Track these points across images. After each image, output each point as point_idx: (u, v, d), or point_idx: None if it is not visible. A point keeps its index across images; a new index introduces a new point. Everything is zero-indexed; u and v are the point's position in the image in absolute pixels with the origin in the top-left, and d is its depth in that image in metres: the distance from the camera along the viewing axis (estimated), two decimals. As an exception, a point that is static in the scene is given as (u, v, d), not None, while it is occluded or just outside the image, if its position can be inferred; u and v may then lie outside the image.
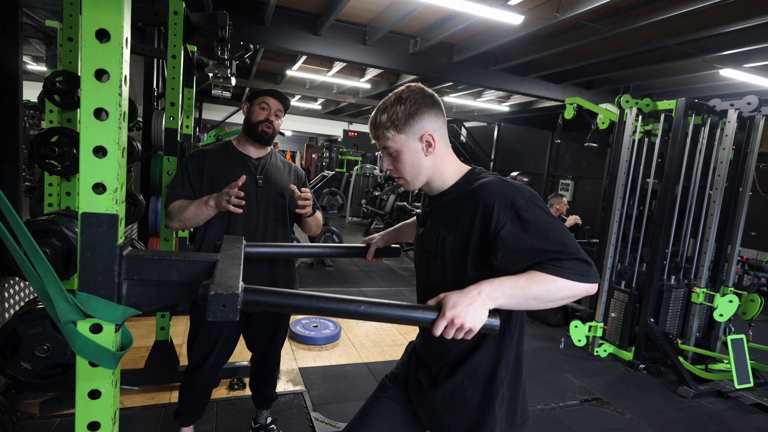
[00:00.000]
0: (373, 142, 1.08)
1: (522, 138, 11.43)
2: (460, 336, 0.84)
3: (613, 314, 3.34)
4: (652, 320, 3.12)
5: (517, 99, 8.86)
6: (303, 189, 1.67)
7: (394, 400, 1.18)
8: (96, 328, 0.71)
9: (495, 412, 1.02)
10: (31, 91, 2.90)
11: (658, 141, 3.25)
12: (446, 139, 1.06)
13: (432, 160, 1.04)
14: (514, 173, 6.58)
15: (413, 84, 1.05)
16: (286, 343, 3.07)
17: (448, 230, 1.02)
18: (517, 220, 0.91)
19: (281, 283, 1.74)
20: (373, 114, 1.05)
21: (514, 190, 0.95)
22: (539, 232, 0.90)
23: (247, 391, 2.34)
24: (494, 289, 0.86)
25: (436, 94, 1.07)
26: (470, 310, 0.83)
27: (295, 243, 1.62)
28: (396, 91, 1.04)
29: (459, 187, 1.04)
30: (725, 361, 3.00)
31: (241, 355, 2.29)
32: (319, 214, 1.84)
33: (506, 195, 0.94)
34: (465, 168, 1.08)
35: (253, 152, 1.73)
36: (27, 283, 2.33)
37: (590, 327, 3.35)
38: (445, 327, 0.83)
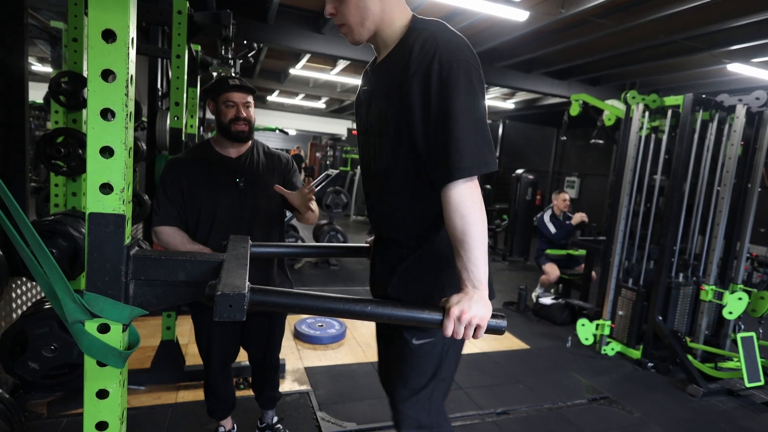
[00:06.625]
0: None
1: (527, 135, 11.37)
2: (470, 334, 0.83)
3: (620, 312, 3.31)
4: (660, 318, 3.09)
5: (522, 96, 8.81)
6: (307, 185, 1.54)
7: None
8: (103, 328, 0.71)
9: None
10: (36, 92, 2.92)
11: (665, 137, 3.22)
12: None
13: (380, 4, 0.92)
14: (520, 170, 6.55)
15: None
16: (292, 342, 3.08)
17: (388, 102, 0.94)
18: (426, 77, 0.85)
19: (275, 284, 1.70)
20: None
21: (439, 45, 0.85)
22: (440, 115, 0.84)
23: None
24: (474, 276, 0.86)
25: None
26: (473, 303, 0.83)
27: (300, 243, 1.62)
28: None
29: (401, 43, 0.93)
30: (735, 359, 2.97)
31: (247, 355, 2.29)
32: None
33: (429, 49, 0.86)
34: (410, 15, 0.96)
35: (233, 151, 1.62)
36: (34, 283, 2.35)
37: (597, 325, 3.32)
38: (455, 326, 0.83)
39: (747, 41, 4.37)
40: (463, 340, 1.03)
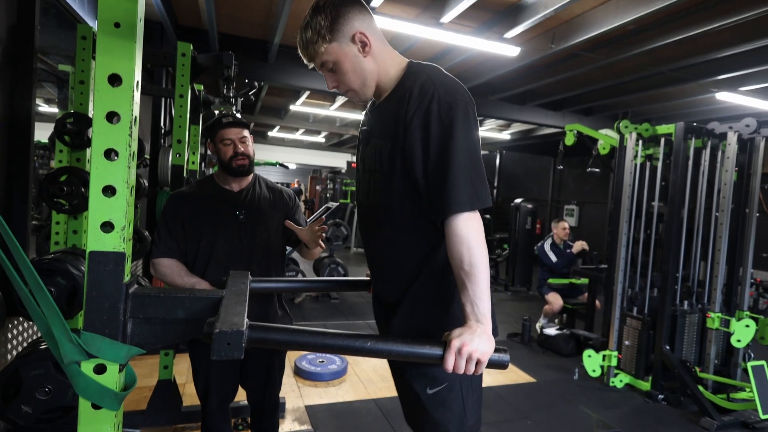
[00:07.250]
0: (311, 66, 1.02)
1: (524, 165, 11.53)
2: (472, 369, 0.81)
3: (626, 342, 3.24)
4: (668, 347, 3.02)
5: (517, 127, 9.00)
6: (318, 222, 1.53)
7: None
8: (100, 369, 0.69)
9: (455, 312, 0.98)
10: (41, 132, 2.98)
11: (660, 165, 3.27)
12: (380, 35, 1.01)
13: (373, 61, 0.99)
14: (518, 200, 6.60)
15: None
16: (292, 379, 2.99)
17: (384, 140, 0.98)
18: (425, 118, 0.89)
19: (275, 319, 1.68)
20: (298, 36, 1.00)
21: (437, 87, 0.91)
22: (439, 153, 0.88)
23: None
24: (479, 309, 0.85)
25: None
26: (476, 337, 0.82)
27: (300, 278, 1.61)
28: (312, 4, 0.98)
29: (399, 86, 0.99)
30: (747, 390, 2.88)
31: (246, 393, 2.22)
32: None
33: (428, 91, 0.91)
34: (405, 62, 1.03)
35: (235, 185, 1.66)
36: (30, 323, 2.31)
37: (604, 356, 3.24)
38: (455, 360, 0.81)
39: (732, 71, 4.52)
40: (480, 378, 1.00)
